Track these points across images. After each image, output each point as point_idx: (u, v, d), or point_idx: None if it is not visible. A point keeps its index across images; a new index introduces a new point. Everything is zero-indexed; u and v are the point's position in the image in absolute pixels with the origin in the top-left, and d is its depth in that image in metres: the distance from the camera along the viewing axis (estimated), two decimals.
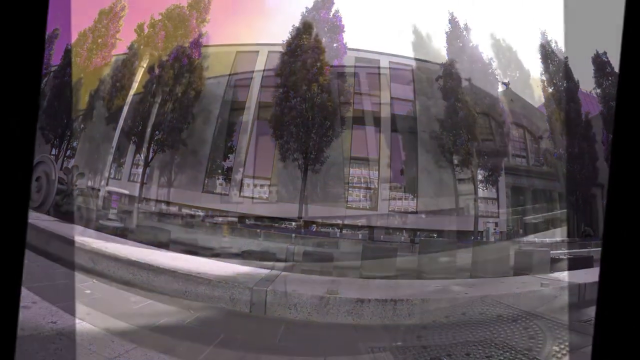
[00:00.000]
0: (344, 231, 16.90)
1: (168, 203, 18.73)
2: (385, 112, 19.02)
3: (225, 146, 19.75)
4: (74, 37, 21.27)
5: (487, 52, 20.77)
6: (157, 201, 18.81)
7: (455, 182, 17.35)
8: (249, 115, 19.08)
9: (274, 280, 4.59)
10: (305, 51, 16.69)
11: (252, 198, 18.16)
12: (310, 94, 15.55)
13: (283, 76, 16.40)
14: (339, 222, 17.39)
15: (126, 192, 16.47)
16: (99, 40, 21.30)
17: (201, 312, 3.77)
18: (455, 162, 16.71)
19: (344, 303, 3.99)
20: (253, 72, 20.00)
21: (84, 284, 4.21)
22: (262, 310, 3.97)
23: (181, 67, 18.59)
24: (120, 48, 22.07)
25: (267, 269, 6.69)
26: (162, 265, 4.61)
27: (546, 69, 21.99)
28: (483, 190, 17.87)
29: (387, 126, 18.85)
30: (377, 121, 18.84)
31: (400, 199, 18.44)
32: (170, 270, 4.46)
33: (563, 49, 19.82)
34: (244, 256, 10.60)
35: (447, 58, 18.16)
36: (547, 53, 22.19)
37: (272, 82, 17.84)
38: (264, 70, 19.73)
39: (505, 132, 17.11)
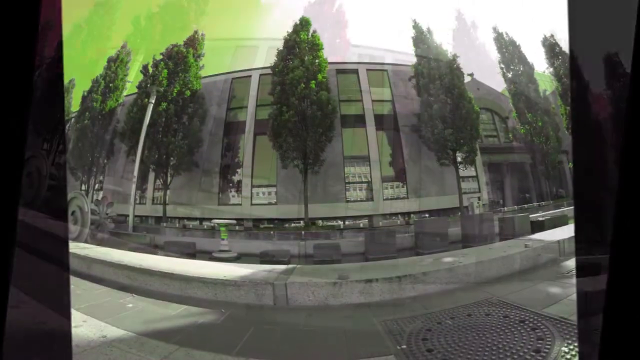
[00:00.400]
0: (347, 222, 16.90)
1: (189, 219, 18.71)
2: (369, 114, 19.04)
3: (232, 162, 19.77)
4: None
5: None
6: (180, 218, 18.80)
7: (439, 167, 17.36)
8: (250, 133, 19.09)
9: (291, 273, 4.60)
10: (303, 48, 16.75)
11: (261, 204, 18.16)
12: (308, 92, 15.69)
13: (280, 74, 16.50)
14: (341, 216, 17.39)
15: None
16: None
17: (232, 311, 3.77)
18: (436, 149, 16.74)
19: (355, 285, 3.99)
20: (251, 69, 20.00)
21: (124, 299, 4.21)
22: (284, 301, 3.97)
23: (185, 99, 18.63)
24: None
25: (284, 264, 6.69)
26: (192, 273, 4.61)
27: (552, 65, 21.99)
28: (463, 170, 17.88)
29: (378, 122, 18.89)
30: (377, 119, 18.87)
31: (392, 187, 18.47)
32: (201, 277, 4.46)
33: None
34: (262, 256, 10.59)
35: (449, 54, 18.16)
36: (551, 47, 22.22)
37: (270, 81, 17.91)
38: (262, 68, 19.65)
39: (475, 117, 17.13)
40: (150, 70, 19.19)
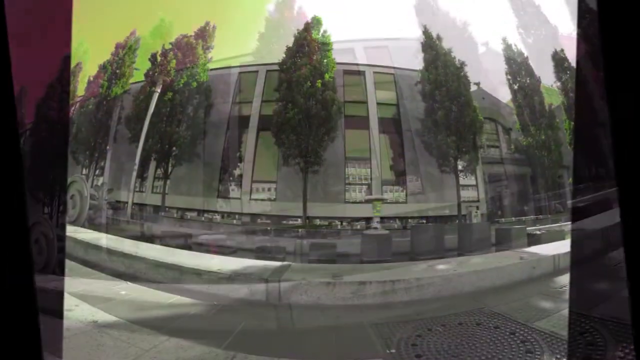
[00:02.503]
0: (344, 224, 16.90)
1: (187, 210, 18.71)
2: (372, 114, 19.04)
3: (234, 156, 19.76)
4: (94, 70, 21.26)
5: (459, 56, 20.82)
6: (178, 209, 18.80)
7: (439, 173, 17.34)
8: (253, 127, 19.07)
9: (285, 271, 4.60)
10: (312, 47, 16.97)
11: (261, 200, 18.16)
12: (314, 91, 15.79)
13: (287, 71, 16.59)
14: (339, 216, 17.39)
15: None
16: (117, 71, 21.31)
17: (224, 304, 3.77)
18: (437, 155, 16.72)
19: (348, 286, 3.99)
20: (254, 88, 19.99)
21: (118, 286, 4.22)
22: (277, 298, 3.97)
23: (191, 91, 18.63)
24: (137, 77, 22.05)
25: (279, 261, 6.70)
26: (186, 264, 4.61)
27: (510, 68, 22.02)
28: (463, 178, 17.87)
29: (379, 127, 18.92)
30: (366, 125, 18.86)
31: (390, 192, 18.46)
32: (195, 269, 4.47)
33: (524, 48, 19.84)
34: (257, 251, 10.59)
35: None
36: (508, 49, 22.21)
37: (272, 97, 17.87)
38: (268, 64, 19.68)
39: (479, 126, 17.10)
40: (159, 59, 19.19)
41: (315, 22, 17.81)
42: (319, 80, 15.82)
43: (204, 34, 20.31)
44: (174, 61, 18.57)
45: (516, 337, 2.72)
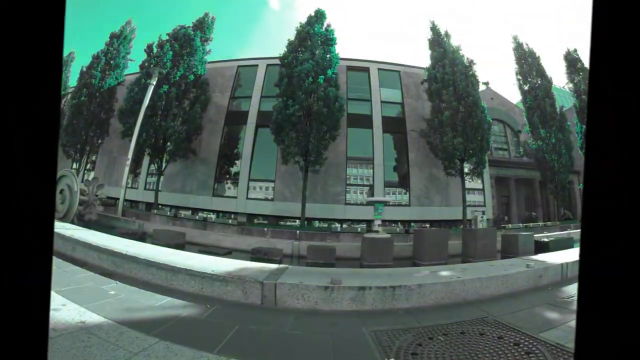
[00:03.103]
0: (344, 225, 16.88)
1: (180, 207, 18.70)
2: (377, 115, 19.03)
3: (231, 153, 19.71)
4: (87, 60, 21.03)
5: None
6: (171, 207, 18.79)
7: (444, 176, 17.32)
8: (252, 124, 19.04)
9: (282, 273, 4.59)
10: (315, 41, 16.74)
11: (258, 199, 18.14)
12: (316, 87, 15.58)
13: (289, 66, 16.38)
14: (339, 218, 17.37)
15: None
16: (112, 62, 21.28)
17: (217, 307, 3.77)
18: (443, 157, 16.68)
19: (347, 291, 3.99)
20: (254, 84, 19.97)
21: (107, 286, 4.21)
22: (272, 302, 3.97)
23: (187, 84, 18.56)
24: (132, 67, 21.96)
25: (276, 263, 6.69)
26: (179, 264, 4.61)
27: (520, 67, 22.00)
28: (469, 182, 17.85)
29: (386, 124, 18.88)
30: (370, 124, 18.84)
31: (394, 193, 18.44)
32: (188, 269, 4.46)
33: (536, 47, 19.73)
34: (253, 252, 10.59)
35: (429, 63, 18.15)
36: (519, 48, 22.19)
37: (272, 92, 17.81)
38: (268, 58, 19.54)
39: (487, 127, 17.05)
40: (155, 50, 19.12)
41: (319, 16, 17.76)
42: (322, 76, 15.75)
43: (203, 25, 20.26)
44: (171, 53, 18.52)
45: (520, 348, 2.72)
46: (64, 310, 3.07)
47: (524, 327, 3.17)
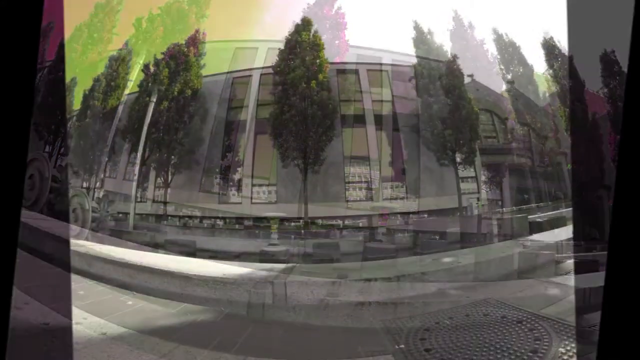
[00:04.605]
0: (346, 222, 16.83)
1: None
2: (380, 109, 18.96)
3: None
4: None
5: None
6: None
7: (439, 167, 17.31)
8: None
9: (290, 272, 4.59)
10: (304, 48, 16.53)
11: (251, 198, 17.98)
12: (309, 92, 15.42)
13: (282, 74, 16.21)
14: (341, 215, 17.30)
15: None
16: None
17: (231, 309, 3.76)
18: (435, 149, 16.69)
19: (354, 284, 3.99)
20: (252, 69, 19.58)
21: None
22: (283, 300, 3.94)
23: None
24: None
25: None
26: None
27: (550, 66, 21.70)
28: (462, 170, 17.82)
29: (378, 123, 18.78)
30: (377, 119, 18.75)
31: (391, 187, 18.43)
32: (200, 275, 4.42)
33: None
34: (261, 254, 10.53)
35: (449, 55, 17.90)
36: (550, 49, 21.96)
37: (271, 80, 17.48)
38: (262, 68, 19.21)
39: (474, 118, 17.05)
40: (152, 69, 19.07)
41: (305, 23, 17.70)
42: (314, 81, 15.72)
43: (195, 42, 20.18)
44: (167, 70, 18.44)
45: (524, 325, 2.72)
46: (85, 323, 3.07)
47: (525, 305, 3.18)
